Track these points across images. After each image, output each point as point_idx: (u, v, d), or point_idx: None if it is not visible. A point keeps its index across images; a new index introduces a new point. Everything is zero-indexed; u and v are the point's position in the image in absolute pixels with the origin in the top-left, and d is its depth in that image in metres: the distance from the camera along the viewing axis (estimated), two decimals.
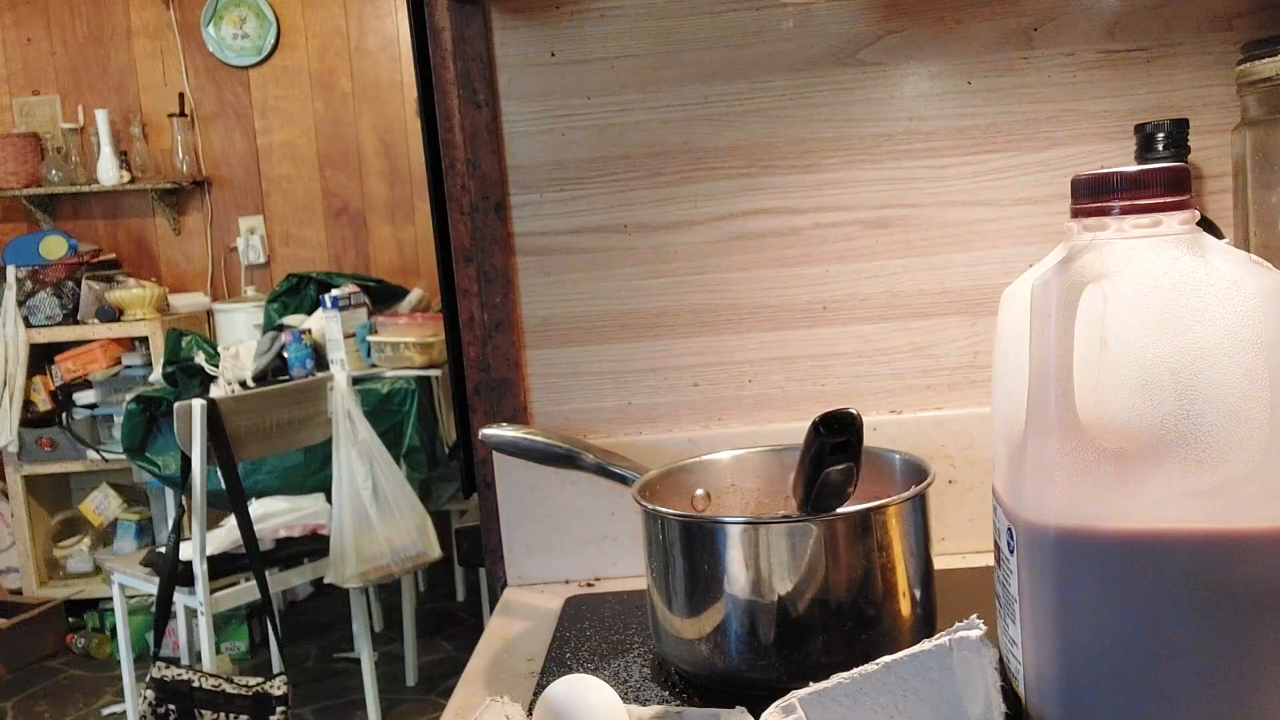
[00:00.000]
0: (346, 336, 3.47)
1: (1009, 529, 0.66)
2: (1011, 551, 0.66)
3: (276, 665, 3.06)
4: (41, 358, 4.03)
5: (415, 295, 3.83)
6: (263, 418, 2.73)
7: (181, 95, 4.32)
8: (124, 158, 4.21)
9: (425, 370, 3.39)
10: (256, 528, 2.71)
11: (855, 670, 0.67)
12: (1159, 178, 0.61)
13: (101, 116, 4.13)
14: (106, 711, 3.36)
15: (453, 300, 1.11)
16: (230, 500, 2.63)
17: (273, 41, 4.30)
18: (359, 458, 2.93)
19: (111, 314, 4.00)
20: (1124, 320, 0.59)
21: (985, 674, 0.65)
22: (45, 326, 3.99)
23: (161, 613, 2.66)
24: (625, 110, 1.07)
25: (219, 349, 3.58)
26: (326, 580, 2.94)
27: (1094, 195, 0.62)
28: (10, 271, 4.00)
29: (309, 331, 3.51)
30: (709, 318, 1.09)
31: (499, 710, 0.74)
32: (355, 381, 3.25)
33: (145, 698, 2.40)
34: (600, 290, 1.09)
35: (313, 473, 3.19)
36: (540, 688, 0.83)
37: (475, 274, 1.10)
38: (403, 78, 4.28)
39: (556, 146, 1.08)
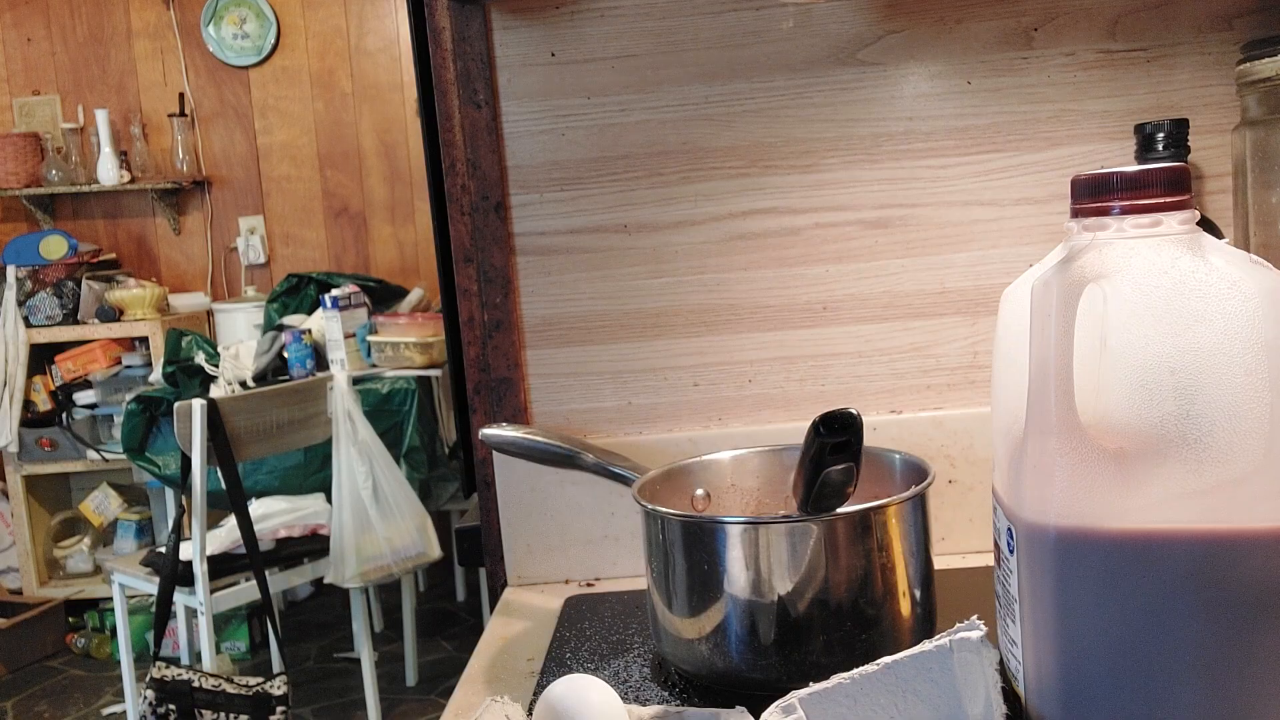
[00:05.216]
0: (346, 336, 3.47)
1: (1009, 529, 0.66)
2: (1011, 551, 0.66)
3: (276, 665, 3.06)
4: (41, 358, 4.03)
5: (415, 295, 3.83)
6: (263, 418, 2.73)
7: (181, 95, 4.32)
8: (124, 158, 4.21)
9: (425, 370, 3.39)
10: (256, 528, 2.71)
11: (855, 670, 0.67)
12: (1159, 178, 0.61)
13: (101, 116, 4.13)
14: (106, 711, 3.36)
15: (453, 300, 1.11)
16: (230, 500, 2.63)
17: (273, 41, 4.30)
18: (359, 458, 2.93)
19: (111, 314, 4.00)
20: (1124, 320, 0.59)
21: (985, 674, 0.65)
22: (45, 326, 3.99)
23: (161, 613, 2.66)
24: (625, 110, 1.07)
25: (219, 349, 3.58)
26: (326, 580, 2.94)
27: (1094, 195, 0.62)
28: (10, 271, 4.01)
29: (309, 331, 3.51)
30: (709, 318, 1.09)
31: (499, 710, 0.74)
32: (355, 381, 3.25)
33: (145, 698, 2.40)
34: (600, 290, 1.09)
35: (313, 473, 3.18)
36: (540, 688, 0.83)
37: (475, 274, 1.10)
38: (403, 78, 4.28)
39: (556, 146, 1.08)
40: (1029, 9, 1.03)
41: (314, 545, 2.97)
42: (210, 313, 4.26)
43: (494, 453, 1.08)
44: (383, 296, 3.79)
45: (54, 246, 4.10)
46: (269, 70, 4.34)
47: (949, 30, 1.04)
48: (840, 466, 0.74)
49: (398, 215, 4.36)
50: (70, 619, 3.96)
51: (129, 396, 3.46)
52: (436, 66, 1.08)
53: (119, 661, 3.10)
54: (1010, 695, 0.66)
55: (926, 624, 0.82)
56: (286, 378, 3.40)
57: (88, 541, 4.20)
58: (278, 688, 2.45)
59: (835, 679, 0.68)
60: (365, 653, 3.02)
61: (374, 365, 3.49)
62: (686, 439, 1.08)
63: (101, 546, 4.21)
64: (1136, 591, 0.59)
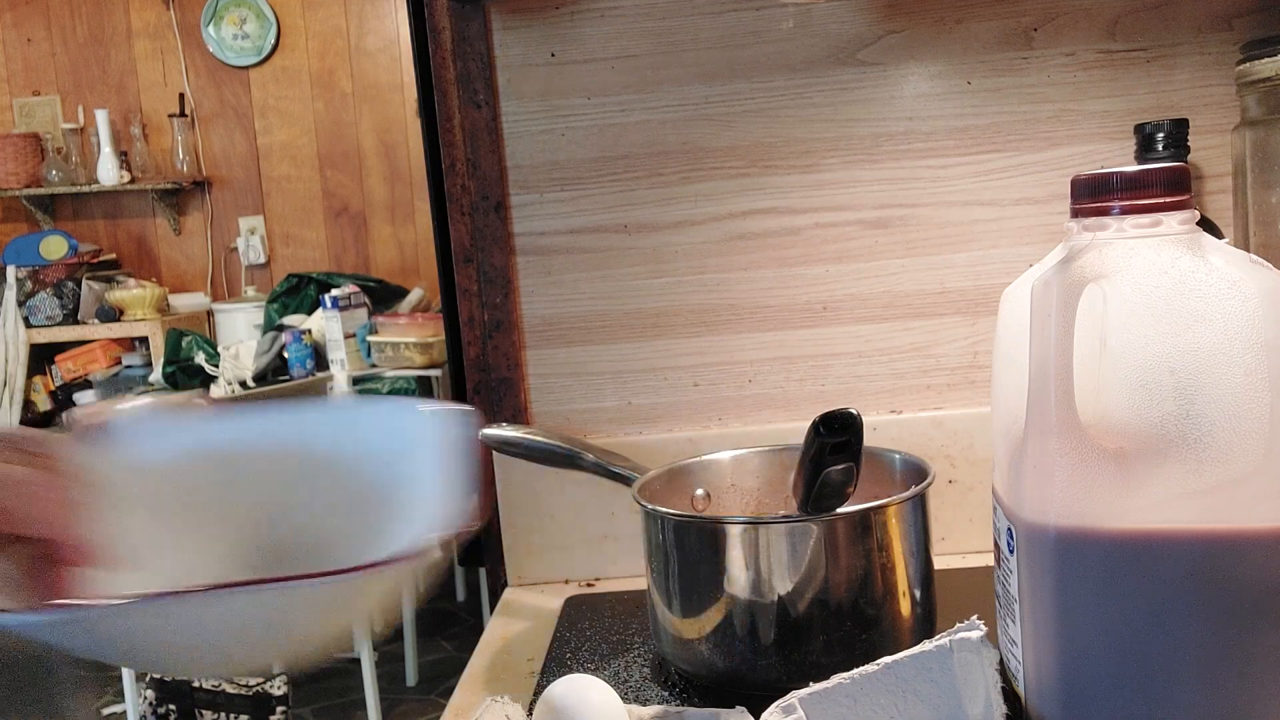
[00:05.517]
0: (346, 337, 3.47)
1: (1009, 529, 0.66)
2: (1011, 551, 0.66)
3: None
4: (41, 358, 4.04)
5: (415, 295, 3.83)
6: None
7: (182, 95, 4.32)
8: (124, 158, 4.22)
9: (425, 370, 3.39)
10: None
11: (855, 670, 0.67)
12: (1159, 178, 0.61)
13: (101, 116, 4.13)
14: (107, 712, 3.36)
15: (453, 300, 1.11)
16: None
17: (273, 41, 4.30)
18: None
19: (111, 314, 4.00)
20: (1124, 320, 0.59)
21: (985, 674, 0.65)
22: (45, 326, 3.99)
23: None
24: (625, 110, 1.07)
25: (219, 349, 3.59)
26: None
27: (1094, 195, 0.62)
28: (10, 271, 4.01)
29: (309, 332, 3.51)
30: (709, 318, 1.09)
31: (499, 710, 0.74)
32: (355, 381, 3.25)
33: (145, 698, 2.40)
34: (600, 290, 1.09)
35: None
36: (540, 688, 0.83)
37: (475, 274, 1.10)
38: (403, 78, 4.29)
39: (556, 146, 1.08)
40: (1029, 9, 1.03)
41: None
42: (210, 313, 4.26)
43: (494, 453, 1.08)
44: (383, 296, 3.79)
45: (54, 247, 4.10)
46: (269, 70, 4.34)
47: (949, 30, 1.04)
48: (840, 466, 0.74)
49: (398, 215, 4.37)
50: None
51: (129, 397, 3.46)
52: (436, 66, 1.08)
53: None
54: (1010, 695, 0.66)
55: (926, 624, 0.82)
56: (286, 378, 3.41)
57: None
58: (278, 688, 2.45)
59: (835, 679, 0.68)
60: (365, 653, 3.01)
61: (374, 365, 3.49)
62: (686, 439, 1.08)
63: None
64: (1136, 591, 0.59)
